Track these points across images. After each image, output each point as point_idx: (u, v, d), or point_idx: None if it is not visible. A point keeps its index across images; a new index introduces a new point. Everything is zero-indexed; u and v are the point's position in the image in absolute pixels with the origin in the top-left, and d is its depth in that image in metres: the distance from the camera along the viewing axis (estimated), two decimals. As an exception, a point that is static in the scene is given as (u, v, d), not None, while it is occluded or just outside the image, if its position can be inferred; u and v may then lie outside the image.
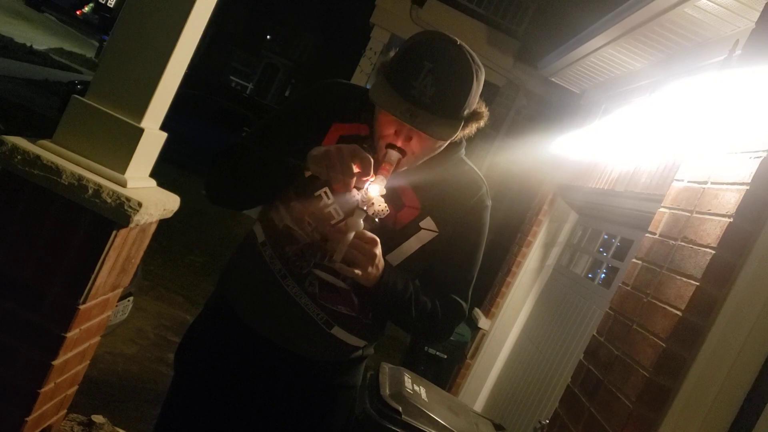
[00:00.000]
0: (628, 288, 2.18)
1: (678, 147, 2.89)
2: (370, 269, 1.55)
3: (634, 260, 2.25)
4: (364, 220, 1.52)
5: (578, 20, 5.73)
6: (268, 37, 37.49)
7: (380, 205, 1.52)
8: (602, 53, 4.38)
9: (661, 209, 2.23)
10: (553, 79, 5.88)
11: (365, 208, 1.51)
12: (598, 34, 4.12)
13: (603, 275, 4.18)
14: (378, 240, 1.55)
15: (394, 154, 1.55)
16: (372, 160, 1.52)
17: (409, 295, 1.65)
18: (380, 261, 1.57)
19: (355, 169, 1.51)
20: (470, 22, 9.28)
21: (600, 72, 4.90)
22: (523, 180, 6.18)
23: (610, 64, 4.60)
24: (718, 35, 3.22)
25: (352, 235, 1.50)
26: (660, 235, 2.15)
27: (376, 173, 1.53)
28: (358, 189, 1.53)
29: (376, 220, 1.54)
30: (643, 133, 3.55)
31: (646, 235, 2.26)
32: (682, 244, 1.97)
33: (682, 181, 2.19)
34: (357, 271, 1.54)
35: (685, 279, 1.86)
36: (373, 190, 1.51)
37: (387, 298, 1.63)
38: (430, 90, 1.49)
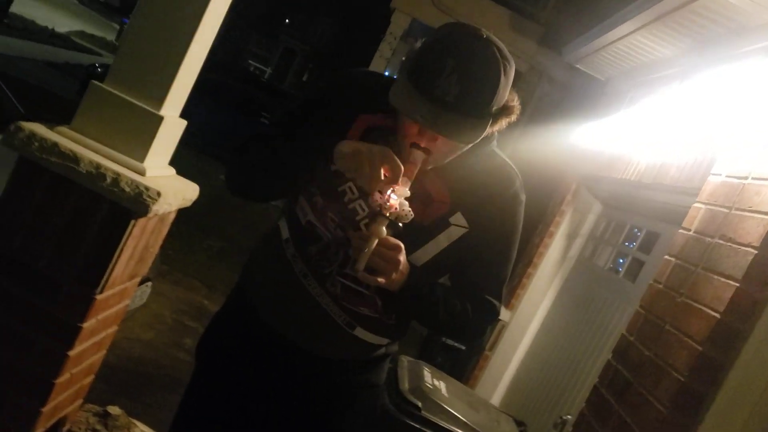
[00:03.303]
0: (660, 286, 2.11)
1: (712, 138, 2.80)
2: (393, 276, 1.49)
3: (666, 257, 2.17)
4: (387, 226, 1.45)
5: (604, 5, 5.60)
6: (286, 20, 37.36)
7: (403, 210, 1.45)
8: (630, 40, 4.27)
9: (696, 205, 2.15)
10: (577, 66, 5.76)
11: (387, 214, 1.44)
12: (626, 20, 4.01)
13: (627, 268, 4.09)
14: (402, 246, 1.49)
15: (418, 155, 1.47)
16: (402, 168, 1.44)
17: (436, 297, 1.58)
18: (404, 266, 1.51)
19: (383, 174, 1.44)
20: (493, 7, 9.12)
21: (626, 59, 4.78)
22: (545, 168, 6.08)
23: (637, 51, 4.48)
24: (755, 22, 3.10)
25: (375, 242, 1.44)
26: (695, 232, 2.07)
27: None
28: (382, 193, 1.45)
29: (400, 225, 1.47)
30: (672, 123, 3.44)
31: (680, 231, 2.18)
32: (720, 242, 1.89)
33: (720, 175, 2.10)
34: (380, 279, 1.48)
35: (723, 279, 1.78)
36: (396, 196, 1.44)
37: (412, 302, 1.58)
38: (455, 89, 1.39)
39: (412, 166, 1.47)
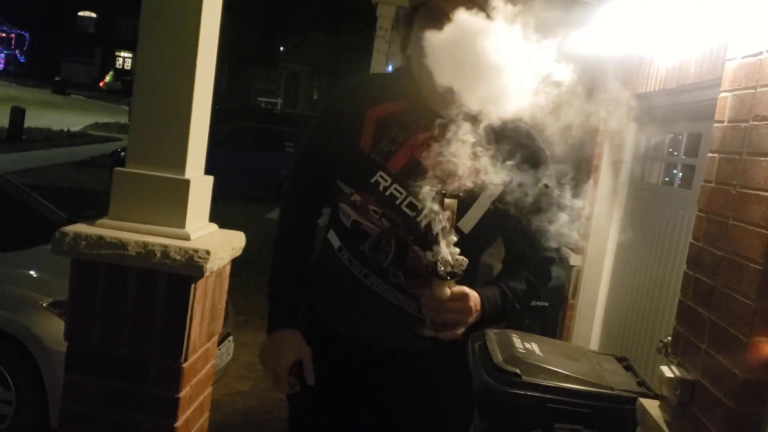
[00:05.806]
0: (712, 184, 2.08)
1: (720, 22, 2.73)
2: (470, 319, 1.58)
3: (709, 154, 2.14)
4: (448, 280, 1.50)
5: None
6: (281, 48, 37.71)
7: (456, 260, 1.49)
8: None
9: (722, 94, 2.11)
10: (569, -2, 5.68)
11: (443, 273, 1.49)
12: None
13: (681, 177, 4.02)
14: (467, 292, 1.55)
15: (449, 203, 1.53)
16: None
17: (510, 301, 1.67)
18: (476, 302, 1.58)
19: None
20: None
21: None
22: (569, 106, 5.97)
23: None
24: None
25: (444, 302, 1.51)
26: (729, 122, 2.03)
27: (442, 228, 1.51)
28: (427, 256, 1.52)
29: (460, 273, 1.52)
30: (677, 17, 3.36)
31: (714, 125, 2.14)
32: (755, 123, 1.86)
33: (735, 59, 2.06)
34: (460, 331, 1.58)
35: (770, 158, 1.75)
36: (443, 252, 1.49)
37: (494, 319, 1.68)
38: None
39: (450, 214, 1.52)
